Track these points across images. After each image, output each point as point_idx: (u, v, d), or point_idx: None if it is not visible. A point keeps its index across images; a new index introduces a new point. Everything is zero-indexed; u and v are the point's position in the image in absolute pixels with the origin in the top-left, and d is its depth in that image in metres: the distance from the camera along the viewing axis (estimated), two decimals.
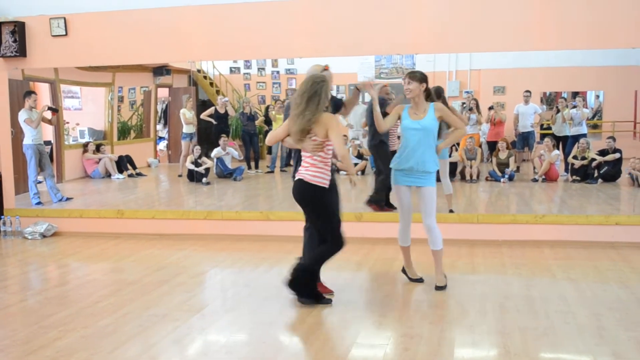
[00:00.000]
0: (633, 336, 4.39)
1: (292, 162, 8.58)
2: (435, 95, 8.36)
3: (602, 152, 10.97)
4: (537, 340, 4.35)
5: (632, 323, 4.66)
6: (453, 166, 11.36)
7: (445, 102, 8.16)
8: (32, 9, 8.34)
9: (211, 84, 14.39)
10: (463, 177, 11.44)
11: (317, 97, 4.90)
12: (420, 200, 5.56)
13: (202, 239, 7.91)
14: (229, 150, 12.08)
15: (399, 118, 5.60)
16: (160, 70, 12.98)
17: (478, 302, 5.22)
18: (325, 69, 5.30)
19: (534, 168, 11.59)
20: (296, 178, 5.14)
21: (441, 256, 5.60)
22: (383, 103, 7.69)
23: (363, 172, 11.97)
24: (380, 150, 8.25)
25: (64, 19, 8.21)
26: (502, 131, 12.34)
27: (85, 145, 12.23)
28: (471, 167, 11.34)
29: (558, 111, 11.86)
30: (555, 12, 7.14)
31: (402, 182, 5.60)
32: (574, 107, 11.73)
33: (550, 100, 13.35)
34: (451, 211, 8.07)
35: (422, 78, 5.49)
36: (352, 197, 8.55)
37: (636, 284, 5.69)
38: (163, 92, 14.05)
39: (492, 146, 12.16)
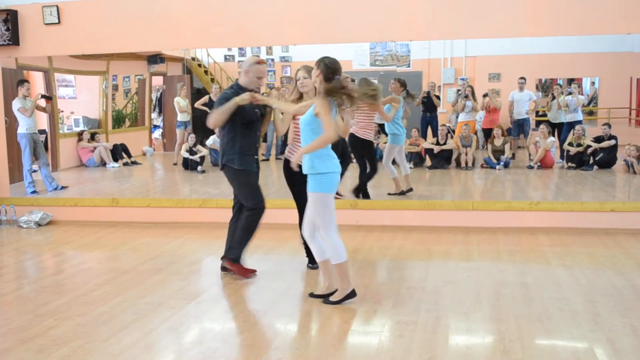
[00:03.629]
0: (627, 322, 4.40)
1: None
2: (402, 86, 8.53)
3: (598, 139, 10.97)
4: (531, 327, 4.36)
5: (626, 309, 4.67)
6: (448, 153, 11.39)
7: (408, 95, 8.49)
8: None
9: (206, 72, 14.31)
10: (458, 165, 11.44)
11: None
12: None
13: (197, 227, 7.91)
14: None
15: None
16: (155, 59, 12.91)
17: (473, 289, 5.24)
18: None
19: (530, 155, 11.59)
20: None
21: (329, 268, 4.98)
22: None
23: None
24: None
25: (57, 7, 8.16)
26: (497, 118, 12.32)
27: (80, 134, 12.18)
28: (466, 154, 11.35)
29: (553, 98, 11.84)
30: None
31: None
32: (570, 93, 11.72)
33: (545, 87, 13.33)
34: (389, 194, 8.44)
35: (319, 64, 4.75)
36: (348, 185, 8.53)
37: (631, 271, 5.71)
38: (157, 80, 13.97)
39: (488, 133, 12.14)
